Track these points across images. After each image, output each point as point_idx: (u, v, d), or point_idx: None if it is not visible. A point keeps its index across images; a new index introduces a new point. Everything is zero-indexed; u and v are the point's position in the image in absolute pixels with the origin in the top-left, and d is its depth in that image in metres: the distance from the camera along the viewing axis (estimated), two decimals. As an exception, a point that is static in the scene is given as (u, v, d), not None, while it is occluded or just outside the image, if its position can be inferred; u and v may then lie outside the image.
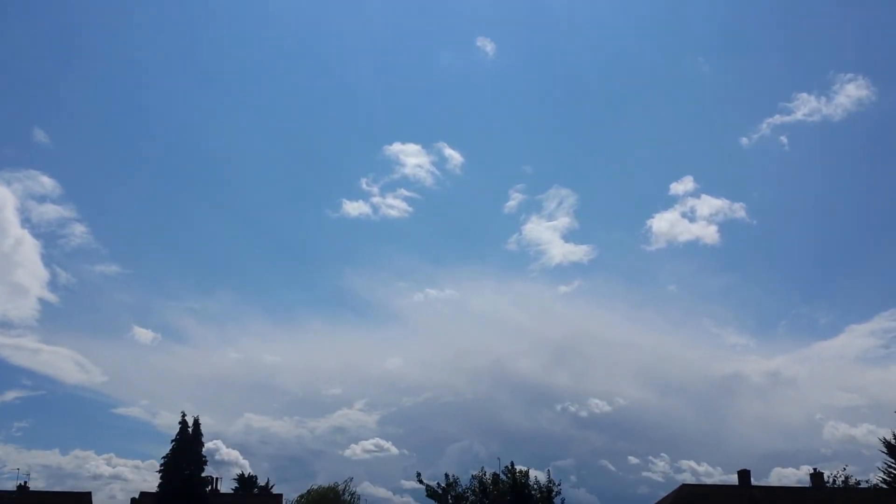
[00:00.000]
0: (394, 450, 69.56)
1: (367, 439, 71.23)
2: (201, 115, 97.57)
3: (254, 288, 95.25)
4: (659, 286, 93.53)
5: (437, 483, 25.37)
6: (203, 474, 43.30)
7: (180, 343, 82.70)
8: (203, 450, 43.54)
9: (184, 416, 43.16)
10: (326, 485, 29.92)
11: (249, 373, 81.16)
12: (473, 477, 25.00)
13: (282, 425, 76.09)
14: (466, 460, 67.47)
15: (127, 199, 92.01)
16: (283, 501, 46.11)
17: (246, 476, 57.93)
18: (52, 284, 74.68)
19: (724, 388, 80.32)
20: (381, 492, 58.71)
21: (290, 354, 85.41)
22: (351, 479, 29.69)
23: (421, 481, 25.90)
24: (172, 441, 42.51)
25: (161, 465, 42.20)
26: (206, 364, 79.88)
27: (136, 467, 65.60)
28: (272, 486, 57.63)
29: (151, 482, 48.32)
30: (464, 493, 24.99)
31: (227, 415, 79.68)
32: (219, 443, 60.60)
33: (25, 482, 45.61)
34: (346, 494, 29.27)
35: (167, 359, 79.45)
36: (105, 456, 64.63)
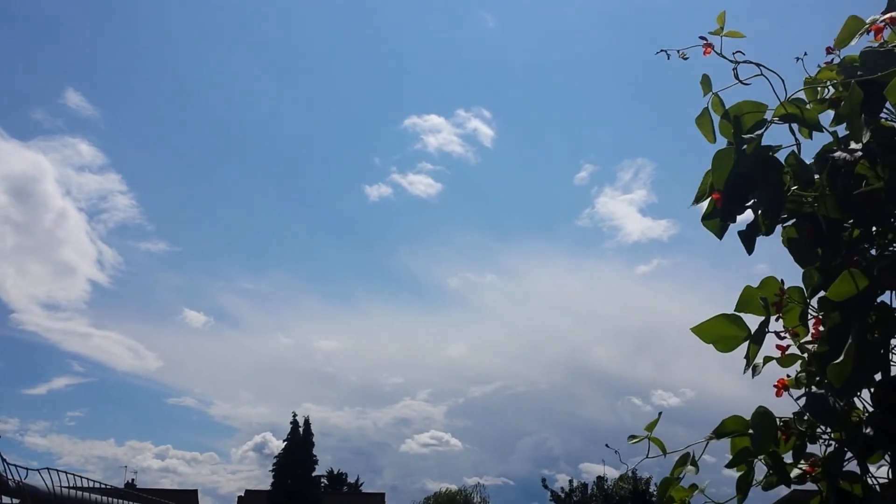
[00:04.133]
0: (455, 443, 69.44)
1: (429, 431, 71.28)
2: (241, 88, 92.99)
3: (306, 268, 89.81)
4: (748, 265, 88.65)
5: (561, 488, 29.03)
6: (314, 474, 51.01)
7: (232, 327, 79.88)
8: (313, 449, 51.89)
9: (295, 415, 51.15)
10: (448, 489, 36.43)
11: (305, 360, 78.31)
12: (595, 482, 28.77)
13: (342, 416, 75.44)
14: (540, 456, 66.88)
15: (171, 172, 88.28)
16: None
17: (335, 473, 65.36)
18: (100, 263, 72.74)
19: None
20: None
21: (347, 340, 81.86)
22: (478, 484, 36.75)
23: (545, 486, 29.62)
24: (285, 440, 51.48)
25: (273, 465, 49.29)
26: (260, 350, 78.02)
27: (195, 460, 67.21)
28: (361, 484, 65.99)
29: (209, 476, 59.42)
30: (586, 498, 27.99)
31: (284, 405, 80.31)
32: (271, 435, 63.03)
33: (132, 480, 48.57)
34: (476, 496, 35.48)
35: (220, 344, 77.05)
36: (162, 447, 65.30)
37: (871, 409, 2.01)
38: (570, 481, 29.29)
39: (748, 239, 2.00)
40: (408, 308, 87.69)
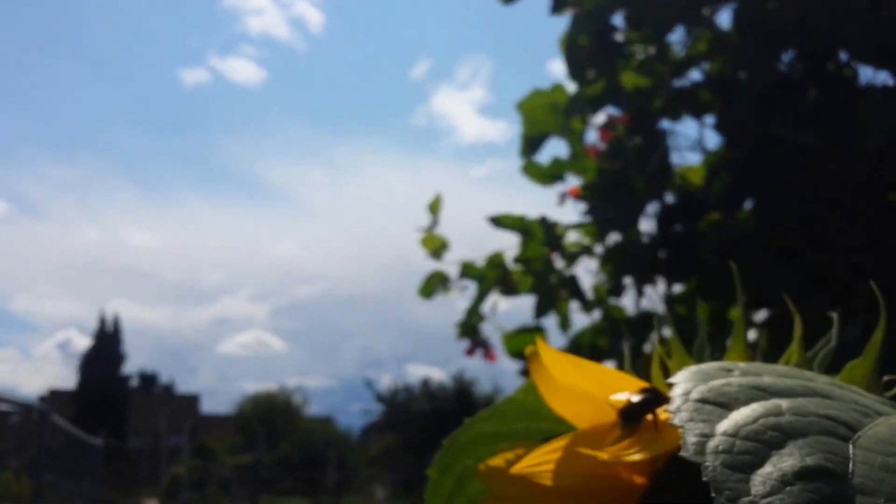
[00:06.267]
0: (278, 344, 70.12)
1: (250, 332, 70.97)
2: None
3: (117, 155, 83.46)
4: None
5: (388, 389, 29.97)
6: (121, 373, 51.33)
7: (34, 216, 76.10)
8: (122, 347, 52.23)
9: (103, 312, 51.73)
10: (268, 390, 34.92)
11: (116, 253, 75.05)
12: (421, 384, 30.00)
13: (157, 314, 73.90)
14: (366, 358, 69.09)
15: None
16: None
17: (146, 373, 64.65)
18: None
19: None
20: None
21: (163, 234, 78.86)
22: (299, 385, 36.48)
23: (369, 387, 30.62)
24: (92, 337, 51.11)
25: (80, 364, 49.03)
26: (66, 242, 74.23)
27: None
28: (174, 385, 63.97)
29: (9, 374, 58.72)
30: (411, 399, 29.16)
31: (92, 301, 74.33)
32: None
33: None
34: (299, 394, 34.80)
35: (20, 234, 73.91)
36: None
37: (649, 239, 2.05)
38: (396, 383, 30.19)
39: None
40: (230, 202, 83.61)
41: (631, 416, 0.38)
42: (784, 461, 0.30)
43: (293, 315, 78.34)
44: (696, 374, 0.36)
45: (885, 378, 0.42)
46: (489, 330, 2.15)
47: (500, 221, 2.04)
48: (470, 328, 2.09)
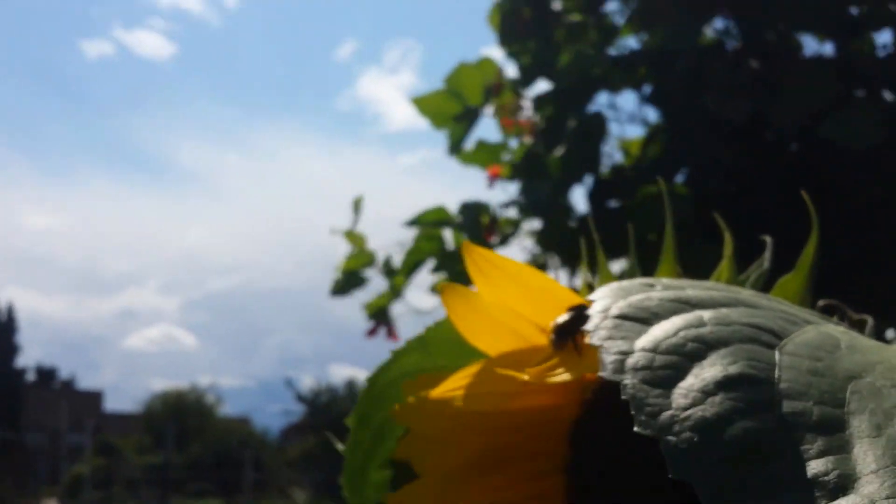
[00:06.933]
0: (189, 340, 67.54)
1: (159, 326, 68.06)
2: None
3: (13, 132, 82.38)
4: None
5: (310, 389, 29.98)
6: (16, 366, 56.34)
7: None
8: (16, 338, 56.01)
9: None
10: (178, 388, 33.40)
11: (10, 236, 71.15)
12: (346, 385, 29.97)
13: (55, 304, 69.79)
14: (286, 356, 68.75)
15: None
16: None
17: (46, 368, 70.21)
18: None
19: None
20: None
21: (64, 217, 77.38)
22: (212, 384, 35.72)
23: (289, 383, 30.92)
24: None
25: None
26: None
27: None
28: (74, 381, 68.52)
29: None
30: (334, 400, 29.23)
31: None
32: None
33: None
34: (212, 393, 33.91)
35: None
36: None
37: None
38: (320, 384, 30.23)
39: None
40: (137, 185, 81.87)
41: (559, 336, 0.38)
42: (706, 372, 0.30)
43: (206, 309, 76.47)
44: (617, 291, 0.35)
45: (821, 303, 0.42)
46: (400, 312, 2.13)
47: (418, 221, 2.00)
48: (379, 309, 2.05)
